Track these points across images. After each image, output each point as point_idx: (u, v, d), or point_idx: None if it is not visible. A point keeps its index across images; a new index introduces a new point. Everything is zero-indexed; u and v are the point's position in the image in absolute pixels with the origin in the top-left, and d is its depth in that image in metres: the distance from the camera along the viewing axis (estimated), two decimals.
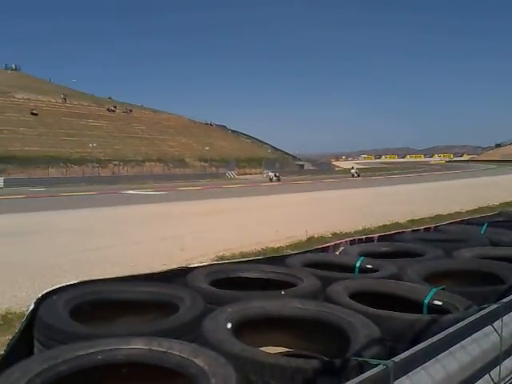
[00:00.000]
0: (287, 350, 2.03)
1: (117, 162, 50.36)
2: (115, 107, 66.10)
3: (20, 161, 42.51)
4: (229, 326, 1.78)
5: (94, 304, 2.08)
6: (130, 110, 67.87)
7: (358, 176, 48.17)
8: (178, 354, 1.54)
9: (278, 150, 77.90)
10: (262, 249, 8.11)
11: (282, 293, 2.20)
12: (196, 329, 1.81)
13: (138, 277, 2.34)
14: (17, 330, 1.80)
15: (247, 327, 1.88)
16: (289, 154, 78.78)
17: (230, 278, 2.49)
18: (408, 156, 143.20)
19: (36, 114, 53.78)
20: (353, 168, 51.81)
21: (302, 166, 69.38)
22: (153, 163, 53.46)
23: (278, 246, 8.34)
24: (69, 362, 1.48)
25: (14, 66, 77.35)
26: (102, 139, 52.63)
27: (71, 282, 2.10)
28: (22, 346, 1.73)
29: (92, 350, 1.54)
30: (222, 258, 6.94)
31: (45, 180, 38.52)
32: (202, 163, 57.32)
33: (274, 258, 2.96)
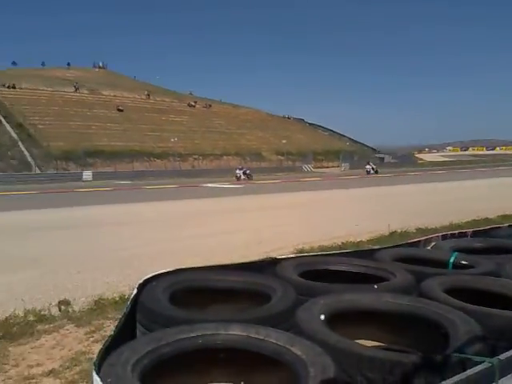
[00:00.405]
0: (379, 344, 2.00)
1: (196, 156, 51.84)
2: (195, 102, 68.02)
3: (107, 155, 44.93)
4: (322, 317, 1.79)
5: (190, 290, 2.17)
6: (210, 105, 69.54)
7: (376, 173, 42.12)
8: (274, 341, 1.58)
9: (356, 142, 76.11)
10: (342, 243, 8.00)
11: (375, 287, 2.16)
12: (289, 319, 1.83)
13: (229, 266, 2.40)
14: (118, 315, 1.92)
15: (340, 320, 1.88)
16: (368, 147, 76.70)
17: (319, 271, 2.49)
18: (498, 148, 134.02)
19: (122, 110, 56.63)
20: (368, 163, 45.56)
21: (382, 158, 67.38)
22: (230, 157, 54.46)
23: (359, 240, 8.19)
24: (171, 345, 1.56)
25: (101, 64, 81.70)
26: (182, 134, 54.40)
27: (168, 270, 2.20)
28: (127, 328, 1.85)
29: (193, 334, 1.62)
30: (301, 251, 6.94)
31: (130, 173, 40.44)
32: (279, 157, 57.55)
33: (362, 252, 2.91)
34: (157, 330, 1.71)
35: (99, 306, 4.93)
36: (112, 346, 1.54)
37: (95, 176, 38.45)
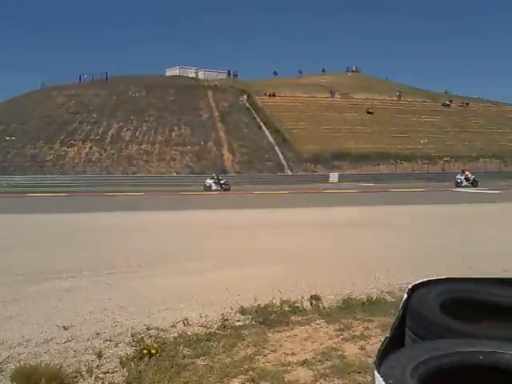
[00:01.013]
0: None
1: (447, 158, 48.75)
2: (450, 101, 64.07)
3: (353, 157, 46.06)
4: None
5: (462, 302, 2.04)
6: (467, 104, 64.51)
7: (473, 185, 29.93)
8: None
9: None
10: None
11: None
12: None
13: (505, 280, 2.18)
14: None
15: None
16: None
17: None
18: None
19: (371, 113, 57.22)
20: (463, 171, 32.11)
21: None
22: (487, 159, 49.47)
23: None
24: (449, 357, 1.49)
25: (354, 68, 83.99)
26: (433, 135, 51.94)
27: (438, 277, 2.13)
28: (398, 332, 1.84)
29: (472, 349, 1.52)
30: None
31: (374, 175, 40.57)
32: None
33: None
34: (432, 339, 1.65)
35: (347, 306, 5.05)
36: (388, 348, 1.56)
37: (341, 178, 39.85)
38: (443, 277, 2.13)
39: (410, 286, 2.01)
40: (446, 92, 71.78)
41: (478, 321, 2.02)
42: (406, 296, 1.94)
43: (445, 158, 48.79)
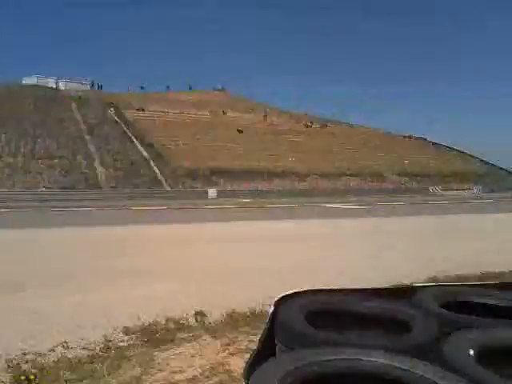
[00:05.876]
0: None
1: (316, 176, 51.82)
2: (311, 123, 68.62)
3: (229, 174, 46.84)
4: (471, 352, 1.66)
5: (324, 312, 2.15)
6: (326, 125, 69.60)
7: None
8: (421, 373, 1.50)
9: (488, 164, 69.29)
10: (482, 273, 7.48)
11: None
12: (431, 352, 1.73)
13: (363, 290, 2.35)
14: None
15: (490, 357, 1.73)
16: (504, 170, 69.01)
17: (462, 302, 2.32)
18: None
19: (241, 131, 59.00)
20: None
21: None
22: (349, 177, 53.62)
23: (499, 271, 7.53)
24: (314, 365, 1.55)
25: (220, 87, 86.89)
26: (300, 153, 54.89)
27: (302, 289, 2.22)
28: (267, 344, 1.88)
29: (334, 357, 1.59)
30: (434, 280, 6.62)
31: (251, 192, 41.79)
32: (401, 178, 55.42)
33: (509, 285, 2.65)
34: (297, 349, 1.72)
35: (233, 320, 5.12)
36: (256, 360, 1.59)
37: (219, 194, 40.40)
38: (307, 288, 2.23)
39: (276, 299, 2.07)
40: (306, 114, 76.48)
41: (340, 330, 2.14)
42: (272, 308, 2.00)
43: (312, 176, 51.78)
